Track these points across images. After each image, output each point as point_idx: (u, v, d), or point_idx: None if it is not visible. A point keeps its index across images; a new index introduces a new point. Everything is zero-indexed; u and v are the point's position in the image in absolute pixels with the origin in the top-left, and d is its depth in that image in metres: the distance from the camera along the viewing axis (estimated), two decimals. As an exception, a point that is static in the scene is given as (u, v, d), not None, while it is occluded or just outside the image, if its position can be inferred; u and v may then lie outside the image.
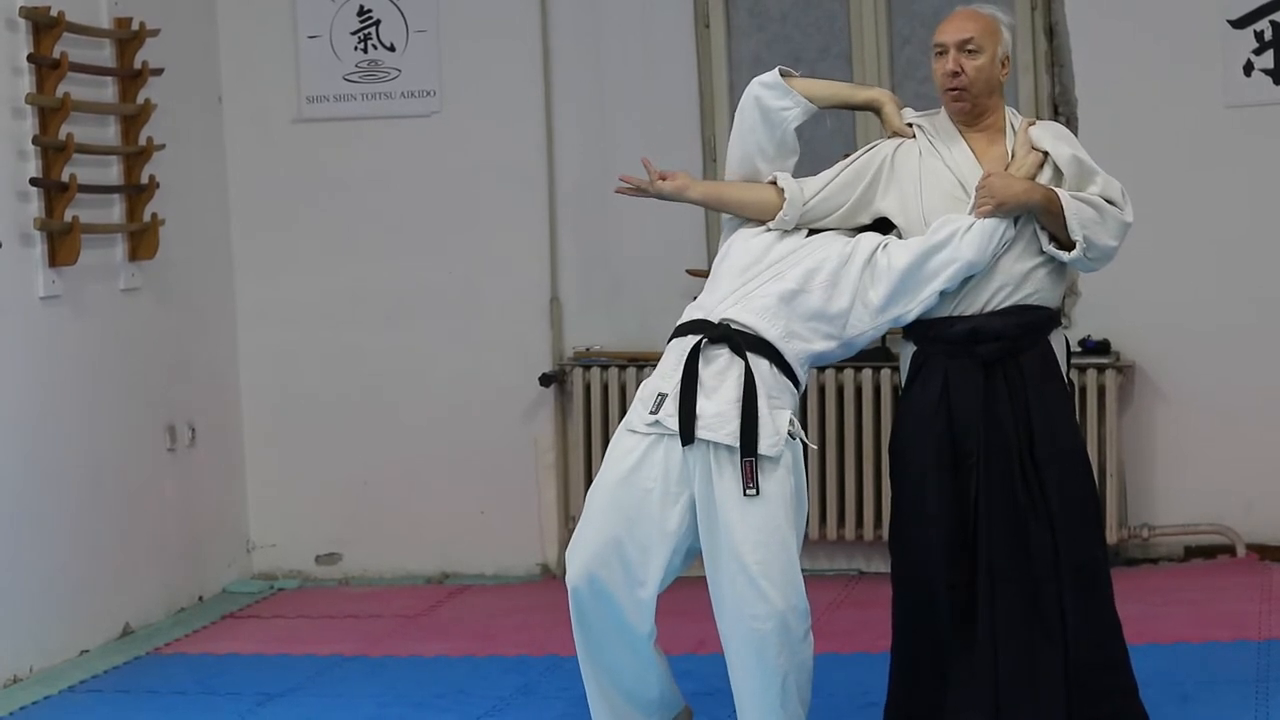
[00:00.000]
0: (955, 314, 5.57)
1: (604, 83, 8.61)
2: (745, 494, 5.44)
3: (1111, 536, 8.10)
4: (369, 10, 8.75)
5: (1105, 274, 8.13)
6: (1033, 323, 5.57)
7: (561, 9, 8.63)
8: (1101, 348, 8.16)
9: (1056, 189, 5.50)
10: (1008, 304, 5.54)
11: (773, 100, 5.73)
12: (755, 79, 5.79)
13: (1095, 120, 8.17)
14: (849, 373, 8.28)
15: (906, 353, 5.75)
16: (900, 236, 5.66)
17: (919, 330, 5.66)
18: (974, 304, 5.56)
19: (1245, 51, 8.04)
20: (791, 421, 5.52)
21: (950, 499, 5.55)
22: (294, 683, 7.17)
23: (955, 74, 5.55)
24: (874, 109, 5.85)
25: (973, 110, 5.61)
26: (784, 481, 5.50)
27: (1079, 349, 8.12)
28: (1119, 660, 5.65)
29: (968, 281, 5.53)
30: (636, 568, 5.58)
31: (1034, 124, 5.66)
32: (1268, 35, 8.02)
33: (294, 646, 7.72)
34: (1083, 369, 8.10)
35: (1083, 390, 8.08)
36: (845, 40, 8.43)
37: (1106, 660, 5.60)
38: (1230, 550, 8.23)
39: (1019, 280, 5.54)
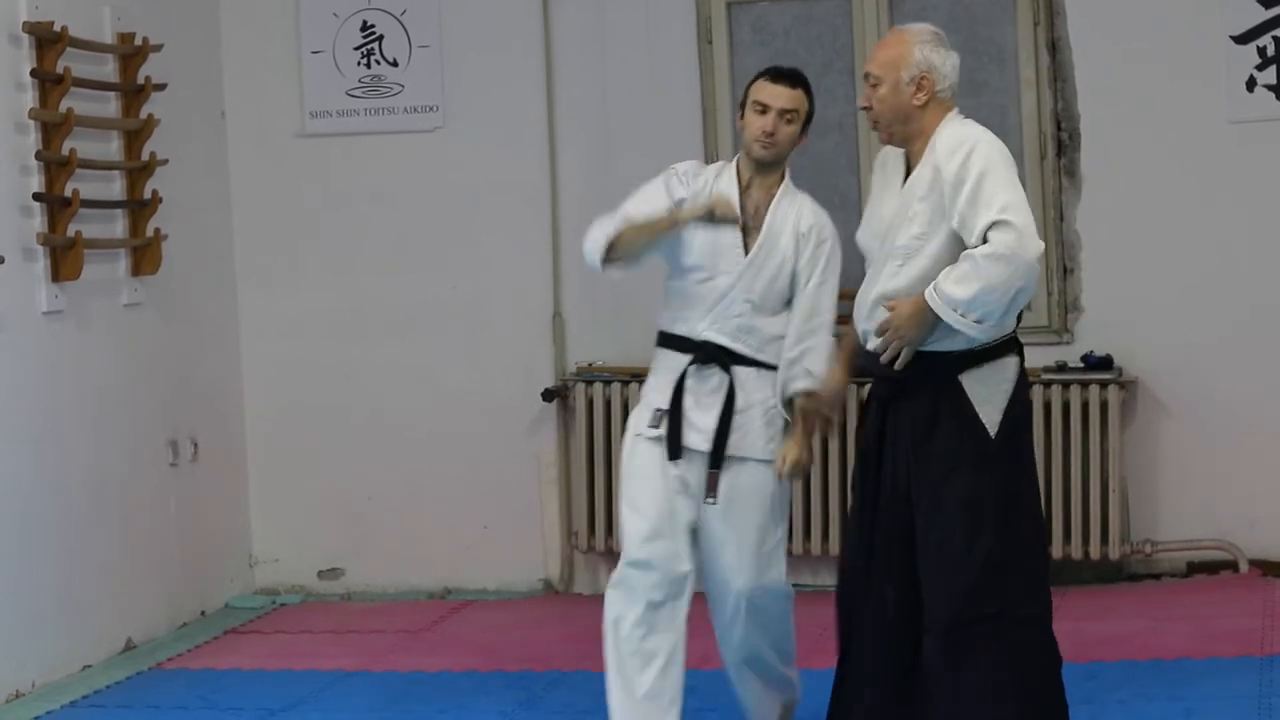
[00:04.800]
0: (866, 348, 5.58)
1: (607, 97, 8.62)
2: (706, 501, 5.91)
3: (1114, 552, 8.12)
4: (372, 26, 8.76)
5: (1108, 290, 8.22)
6: (925, 367, 5.41)
7: (564, 24, 8.64)
8: (1104, 363, 8.16)
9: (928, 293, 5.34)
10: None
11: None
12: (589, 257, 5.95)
13: (1098, 135, 8.18)
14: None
15: None
16: None
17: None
18: (871, 346, 5.54)
19: (1248, 67, 8.04)
20: (786, 419, 5.88)
21: (858, 530, 5.60)
22: (296, 698, 7.16)
23: (866, 109, 5.55)
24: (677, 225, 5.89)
25: (890, 139, 5.55)
26: (771, 477, 5.93)
27: (1081, 364, 8.13)
28: None
29: (862, 323, 5.59)
30: (680, 549, 5.93)
31: (955, 118, 5.49)
32: (1270, 51, 8.02)
33: (296, 662, 7.72)
34: (1085, 384, 8.11)
35: (1085, 405, 8.09)
36: (848, 55, 8.43)
37: None
38: (1233, 566, 8.22)
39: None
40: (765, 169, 5.94)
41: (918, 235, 5.39)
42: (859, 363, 5.64)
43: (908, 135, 5.49)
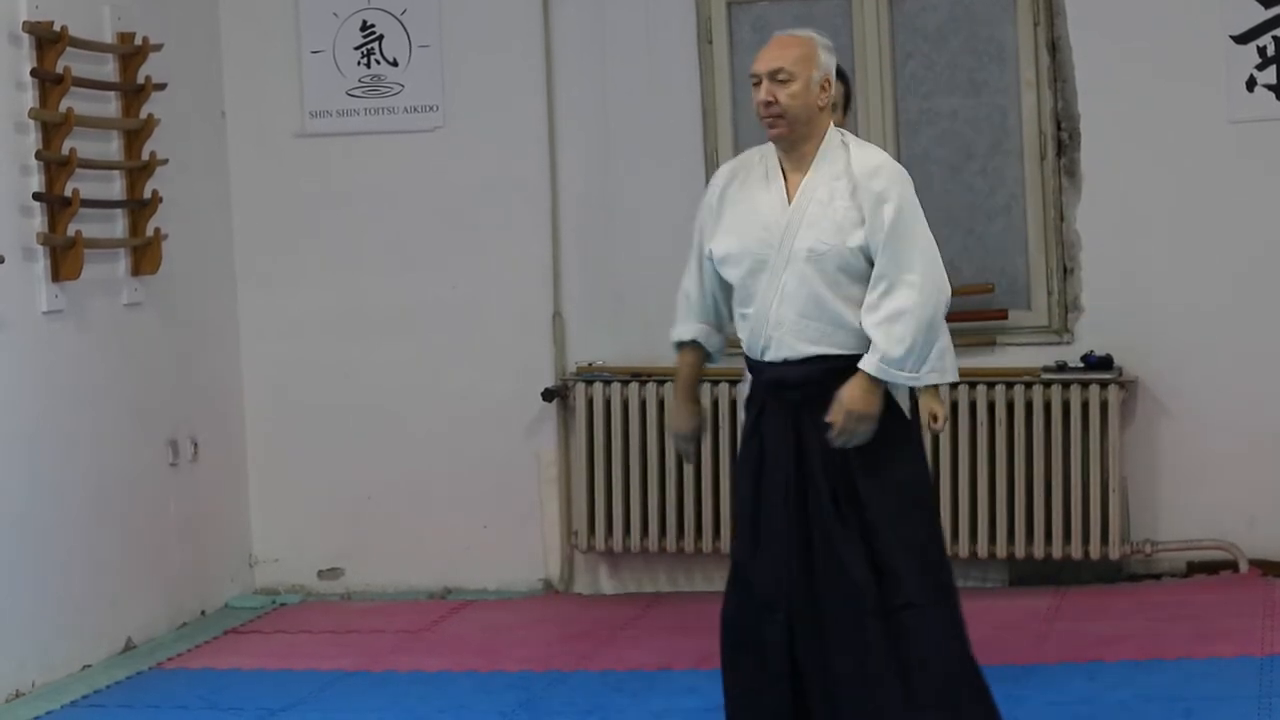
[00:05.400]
0: (762, 360, 5.61)
1: (607, 97, 8.61)
2: None
3: (1114, 552, 8.11)
4: (372, 25, 8.76)
5: (1108, 290, 8.21)
6: (837, 369, 5.51)
7: (565, 24, 8.64)
8: (1104, 363, 8.16)
9: (867, 370, 5.45)
10: (806, 354, 5.54)
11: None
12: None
13: (1097, 136, 8.17)
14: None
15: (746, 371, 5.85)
16: None
17: (747, 359, 5.75)
18: (776, 354, 5.58)
19: (1248, 67, 8.04)
20: None
21: (754, 524, 5.60)
22: (296, 698, 7.16)
23: (769, 103, 5.55)
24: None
25: (790, 136, 5.57)
26: None
27: (1081, 364, 8.13)
28: (954, 703, 5.52)
29: (768, 330, 5.59)
30: None
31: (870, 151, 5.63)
32: (1270, 51, 8.02)
33: (296, 662, 7.72)
34: (1085, 384, 8.10)
35: (1085, 405, 8.09)
36: (848, 56, 8.40)
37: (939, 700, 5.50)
38: (1233, 566, 8.22)
39: (815, 338, 5.55)
40: None
41: (821, 239, 5.49)
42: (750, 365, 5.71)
43: (804, 135, 5.58)
